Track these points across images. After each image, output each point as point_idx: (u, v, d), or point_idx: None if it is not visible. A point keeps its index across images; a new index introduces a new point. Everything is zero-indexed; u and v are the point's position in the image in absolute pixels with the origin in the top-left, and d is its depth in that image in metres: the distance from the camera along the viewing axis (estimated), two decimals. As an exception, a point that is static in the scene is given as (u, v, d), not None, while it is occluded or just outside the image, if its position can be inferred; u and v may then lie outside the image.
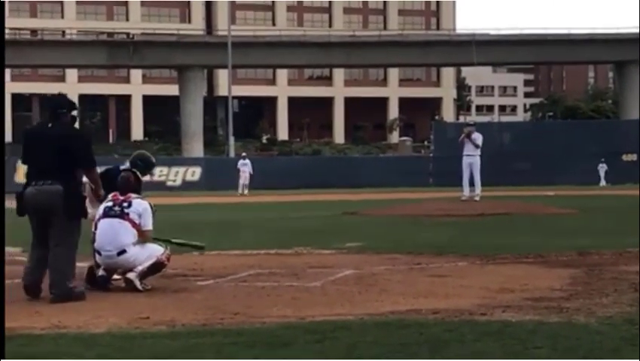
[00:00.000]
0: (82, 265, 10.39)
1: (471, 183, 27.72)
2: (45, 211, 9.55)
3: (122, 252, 10.13)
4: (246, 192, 48.33)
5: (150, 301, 9.25)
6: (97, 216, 10.36)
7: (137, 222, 10.20)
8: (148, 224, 10.26)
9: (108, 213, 10.27)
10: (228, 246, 15.42)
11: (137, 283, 10.03)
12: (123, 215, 10.22)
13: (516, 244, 14.85)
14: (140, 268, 10.10)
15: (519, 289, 9.72)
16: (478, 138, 27.48)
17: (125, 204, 10.28)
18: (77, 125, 10.15)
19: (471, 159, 27.38)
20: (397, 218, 23.45)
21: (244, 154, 55.63)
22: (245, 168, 49.98)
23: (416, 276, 11.08)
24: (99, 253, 10.29)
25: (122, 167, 11.30)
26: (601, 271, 11.08)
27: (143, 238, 10.22)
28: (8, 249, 12.30)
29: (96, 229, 10.35)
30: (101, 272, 10.27)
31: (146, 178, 11.24)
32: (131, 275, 10.05)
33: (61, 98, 10.10)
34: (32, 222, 9.82)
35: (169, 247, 10.50)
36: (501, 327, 7.35)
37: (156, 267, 10.23)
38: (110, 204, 10.31)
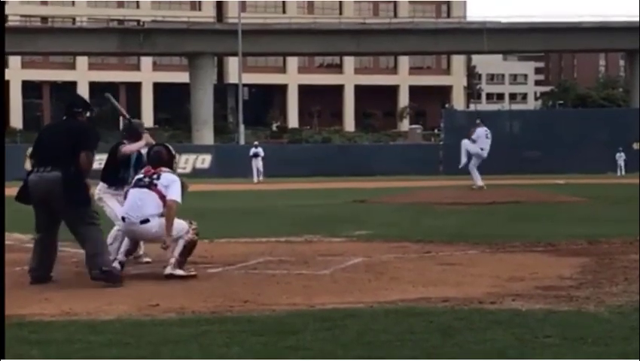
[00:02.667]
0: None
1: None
2: (46, 198, 9.68)
3: (145, 221, 10.15)
4: (261, 178, 48.35)
5: (160, 288, 9.27)
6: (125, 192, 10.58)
7: (164, 193, 10.21)
8: (174, 194, 10.21)
9: (137, 184, 10.39)
10: (238, 233, 15.43)
11: (178, 272, 10.01)
12: (150, 186, 10.28)
13: (526, 233, 14.83)
14: (173, 260, 10.10)
15: (529, 278, 9.71)
16: (476, 134, 27.97)
17: (155, 176, 10.35)
18: None
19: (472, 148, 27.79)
20: (407, 206, 23.45)
21: (256, 143, 55.44)
22: (258, 155, 49.78)
23: (425, 264, 11.08)
24: (123, 220, 10.35)
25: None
26: (612, 260, 11.07)
27: (167, 207, 10.14)
28: (18, 235, 12.35)
29: (125, 198, 10.51)
30: (116, 263, 10.24)
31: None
32: (168, 270, 10.01)
33: (78, 98, 10.45)
34: (35, 210, 9.95)
35: (193, 222, 10.45)
36: (511, 316, 7.35)
37: (188, 248, 10.24)
38: (140, 175, 10.44)
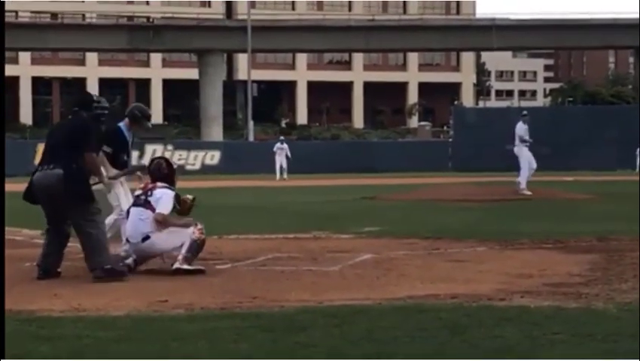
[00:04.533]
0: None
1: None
2: (49, 195, 9.83)
3: (145, 238, 10.27)
4: (285, 176, 46.76)
5: (169, 284, 9.28)
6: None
7: (156, 209, 10.36)
8: (162, 208, 10.34)
9: (135, 202, 10.56)
10: (247, 230, 15.44)
11: (185, 266, 10.06)
12: (145, 204, 10.40)
13: (535, 230, 14.81)
14: (180, 256, 10.14)
15: (538, 275, 9.70)
16: (520, 129, 26.76)
17: (149, 193, 10.47)
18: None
19: (516, 148, 26.64)
20: (416, 203, 23.44)
21: (282, 138, 54.77)
22: (282, 151, 48.47)
23: (434, 261, 11.07)
24: (128, 241, 10.49)
25: (120, 124, 11.96)
26: (621, 257, 11.04)
27: (157, 221, 10.26)
28: (28, 231, 12.38)
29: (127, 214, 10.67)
30: (129, 260, 10.30)
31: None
32: (176, 265, 10.07)
33: (79, 96, 10.56)
34: (42, 206, 10.11)
35: (198, 223, 10.49)
36: (520, 312, 7.35)
37: (196, 246, 10.27)
38: (139, 192, 10.57)
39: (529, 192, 25.33)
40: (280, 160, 48.09)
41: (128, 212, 10.64)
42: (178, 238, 10.26)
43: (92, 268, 9.73)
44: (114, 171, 11.61)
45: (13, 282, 9.31)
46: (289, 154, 48.51)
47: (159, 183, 10.57)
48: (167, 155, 55.90)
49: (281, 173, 47.56)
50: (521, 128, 26.66)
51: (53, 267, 9.93)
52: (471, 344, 6.21)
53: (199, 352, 6.09)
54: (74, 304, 8.10)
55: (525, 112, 29.16)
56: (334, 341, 6.36)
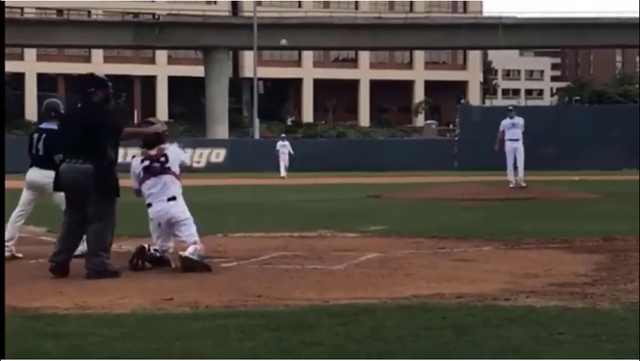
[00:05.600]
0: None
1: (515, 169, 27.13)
2: (77, 188, 9.75)
3: (172, 198, 10.45)
4: (285, 174, 46.88)
5: (174, 282, 9.28)
6: (136, 176, 10.60)
7: (177, 172, 10.60)
8: (184, 157, 10.87)
9: (151, 172, 10.52)
10: (252, 228, 15.44)
11: (196, 257, 10.14)
12: (164, 170, 10.53)
13: (540, 229, 14.79)
14: (195, 246, 10.23)
15: (544, 275, 9.68)
16: (521, 121, 27.18)
17: (162, 159, 10.57)
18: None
19: (516, 143, 26.87)
20: (422, 202, 23.43)
21: (283, 135, 54.84)
22: (285, 149, 48.53)
23: (439, 260, 11.06)
24: (150, 205, 10.51)
25: (45, 125, 11.56)
26: (627, 257, 11.02)
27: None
28: (33, 228, 12.38)
29: (140, 193, 10.61)
30: (152, 250, 10.34)
31: None
32: (187, 253, 10.13)
33: (88, 77, 10.31)
34: (67, 198, 10.06)
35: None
36: (525, 312, 7.33)
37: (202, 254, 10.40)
38: (147, 163, 10.54)
39: (512, 185, 26.71)
40: (283, 157, 48.09)
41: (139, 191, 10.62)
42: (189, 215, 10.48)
43: (88, 264, 9.70)
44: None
45: (18, 279, 9.32)
46: (292, 151, 48.51)
47: (163, 145, 10.69)
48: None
49: (284, 170, 47.57)
50: (503, 124, 27.11)
51: (66, 262, 9.85)
52: (476, 344, 6.20)
53: (204, 350, 6.08)
54: (80, 301, 8.11)
55: (510, 107, 29.36)
56: (339, 339, 6.36)
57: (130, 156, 11.62)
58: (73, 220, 9.92)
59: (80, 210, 9.83)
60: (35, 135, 11.49)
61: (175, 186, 10.54)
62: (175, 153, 10.70)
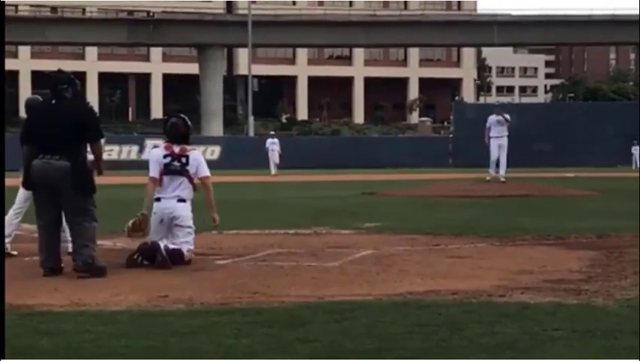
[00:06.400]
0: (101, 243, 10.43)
1: (497, 164, 27.57)
2: (53, 186, 9.61)
3: (181, 200, 10.50)
4: (275, 171, 47.08)
5: (169, 279, 9.28)
6: (159, 164, 10.55)
7: (193, 177, 10.62)
8: (207, 171, 10.76)
9: (169, 170, 10.54)
10: (247, 225, 15.44)
11: (188, 255, 10.28)
12: (182, 172, 10.55)
13: (535, 226, 14.82)
14: (190, 247, 10.40)
15: (538, 271, 9.70)
16: (488, 121, 27.64)
17: (183, 160, 10.56)
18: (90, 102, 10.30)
19: (501, 140, 27.21)
20: (416, 199, 23.45)
21: (272, 132, 54.93)
22: (275, 146, 48.63)
23: (434, 257, 11.07)
24: (158, 200, 10.53)
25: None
26: (621, 254, 11.04)
27: (206, 184, 10.70)
28: (28, 226, 12.37)
29: (156, 182, 10.57)
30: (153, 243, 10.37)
31: None
32: (184, 248, 10.29)
33: (61, 74, 10.12)
34: (38, 197, 9.86)
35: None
36: (520, 309, 7.34)
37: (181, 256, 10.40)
38: (169, 159, 10.53)
39: (488, 178, 27.53)
40: (273, 156, 48.14)
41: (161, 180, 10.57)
42: (188, 218, 10.51)
43: (75, 260, 9.65)
44: None
45: (13, 276, 9.31)
46: (280, 150, 48.51)
47: (187, 147, 10.67)
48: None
49: (274, 168, 47.60)
50: (489, 120, 27.52)
51: (58, 263, 9.81)
52: (471, 341, 6.21)
53: (200, 347, 6.08)
54: (75, 298, 8.10)
55: (497, 102, 29.56)
56: (334, 336, 6.36)
57: (150, 146, 11.53)
58: (48, 221, 9.75)
59: (54, 207, 9.70)
60: None
61: (188, 190, 10.58)
62: (197, 160, 10.65)
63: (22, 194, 11.47)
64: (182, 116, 11.05)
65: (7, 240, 11.32)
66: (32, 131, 9.93)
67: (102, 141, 10.16)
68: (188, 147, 10.69)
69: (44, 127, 9.78)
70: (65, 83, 9.90)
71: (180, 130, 10.78)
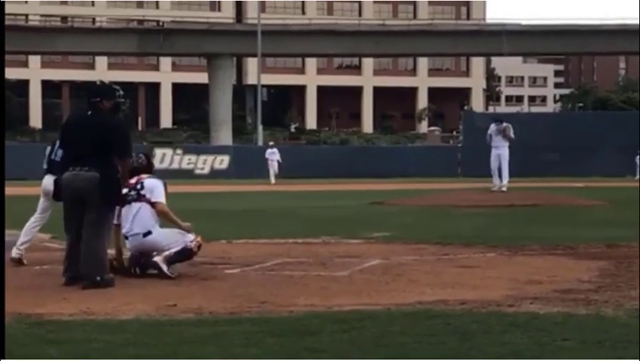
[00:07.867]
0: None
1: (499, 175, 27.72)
2: (81, 197, 9.59)
3: (147, 233, 10.27)
4: (274, 181, 47.61)
5: (178, 288, 9.28)
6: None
7: (152, 200, 10.34)
8: (160, 197, 10.37)
9: (127, 200, 10.33)
10: (256, 234, 15.43)
11: (163, 266, 10.03)
12: (139, 198, 10.35)
13: (544, 236, 14.79)
14: (167, 252, 10.12)
15: (548, 281, 9.68)
16: (510, 129, 27.66)
17: (138, 187, 10.39)
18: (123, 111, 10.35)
19: (500, 150, 27.48)
20: (425, 208, 23.42)
21: (271, 143, 55.35)
22: (274, 156, 49.56)
23: (443, 266, 11.06)
24: (127, 238, 10.39)
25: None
26: (630, 264, 11.01)
27: (157, 211, 10.32)
28: (39, 235, 12.38)
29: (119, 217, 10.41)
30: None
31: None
32: (157, 258, 10.07)
33: (96, 86, 10.18)
34: (65, 208, 9.87)
35: (199, 236, 10.48)
36: (529, 319, 7.33)
37: (185, 254, 10.23)
38: (125, 190, 10.25)
39: (494, 189, 27.73)
40: (272, 165, 48.97)
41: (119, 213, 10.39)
42: (180, 238, 10.28)
43: (84, 275, 9.52)
44: None
45: (22, 285, 9.33)
46: (280, 160, 49.14)
47: (143, 175, 10.54)
48: (176, 159, 56.22)
49: (274, 178, 48.40)
50: (490, 129, 27.86)
51: (78, 274, 9.74)
52: (480, 350, 6.20)
53: (208, 356, 6.08)
54: (83, 307, 8.10)
55: (499, 122, 29.29)
56: (343, 346, 6.36)
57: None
58: (75, 233, 9.73)
59: (80, 220, 9.68)
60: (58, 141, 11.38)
61: (147, 217, 10.32)
62: (152, 184, 10.44)
63: (42, 203, 11.50)
64: (145, 153, 11.24)
65: (23, 246, 11.35)
66: (64, 140, 10.07)
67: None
68: (144, 175, 10.54)
69: (75, 138, 9.84)
70: (98, 95, 9.91)
71: (141, 162, 10.68)
